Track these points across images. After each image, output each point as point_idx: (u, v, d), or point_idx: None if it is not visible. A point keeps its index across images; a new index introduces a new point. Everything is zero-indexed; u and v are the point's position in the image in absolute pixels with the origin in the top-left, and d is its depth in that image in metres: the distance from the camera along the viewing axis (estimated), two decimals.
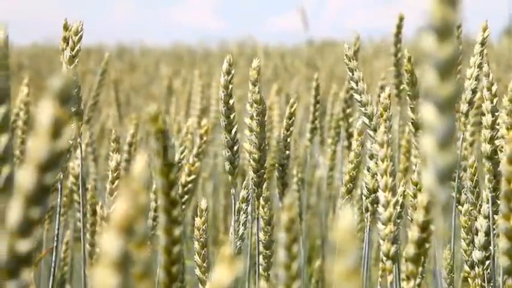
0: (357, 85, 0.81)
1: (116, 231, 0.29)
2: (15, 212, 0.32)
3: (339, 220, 0.31)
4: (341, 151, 1.45)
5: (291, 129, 0.95)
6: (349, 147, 1.38)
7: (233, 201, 0.81)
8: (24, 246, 0.32)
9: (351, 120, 1.36)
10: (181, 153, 1.06)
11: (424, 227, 0.51)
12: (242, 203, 0.83)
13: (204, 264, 0.69)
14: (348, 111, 1.36)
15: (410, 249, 0.55)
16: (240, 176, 2.02)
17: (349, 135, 1.35)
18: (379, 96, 0.96)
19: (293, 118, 0.95)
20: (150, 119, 0.49)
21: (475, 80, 0.89)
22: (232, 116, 0.80)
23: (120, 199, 0.29)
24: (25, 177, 0.32)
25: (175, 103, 2.07)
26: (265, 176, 0.83)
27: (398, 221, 0.61)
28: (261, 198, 0.84)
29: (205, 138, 1.08)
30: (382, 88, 1.34)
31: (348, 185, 0.81)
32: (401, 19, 1.20)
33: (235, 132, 0.81)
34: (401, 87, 1.18)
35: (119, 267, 0.28)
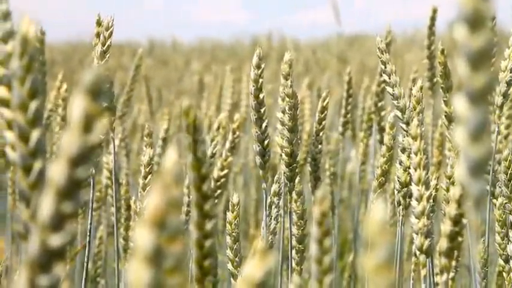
0: (389, 78, 0.80)
1: (148, 226, 0.29)
2: (47, 206, 0.32)
3: (371, 214, 0.30)
4: (373, 145, 1.44)
5: (323, 123, 0.95)
6: (381, 141, 1.37)
7: (264, 195, 0.81)
8: (56, 240, 0.32)
9: (383, 113, 1.35)
10: (214, 147, 1.06)
11: (457, 221, 0.50)
12: (274, 197, 0.83)
13: (236, 259, 0.69)
14: (379, 104, 1.35)
15: (443, 243, 0.54)
16: (270, 170, 2.02)
17: (381, 129, 1.34)
18: (411, 89, 0.95)
19: (325, 112, 0.95)
20: (183, 114, 0.49)
21: (510, 72, 0.88)
22: (262, 110, 0.80)
23: (152, 193, 0.29)
24: (57, 172, 0.32)
25: (207, 98, 2.08)
26: (297, 171, 0.83)
27: (432, 215, 0.61)
28: (294, 192, 0.84)
29: (237, 133, 1.08)
30: (414, 81, 1.33)
31: (380, 179, 0.81)
32: (434, 11, 1.18)
33: (266, 126, 0.81)
34: (435, 80, 1.16)
35: (151, 262, 0.28)
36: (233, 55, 4.97)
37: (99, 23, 0.82)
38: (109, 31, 0.77)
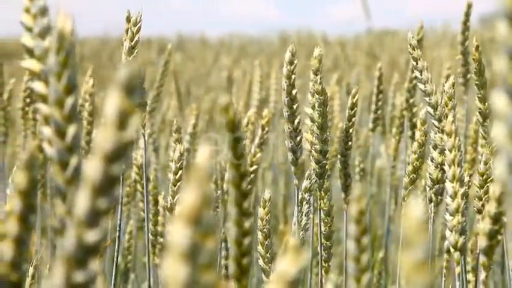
0: (421, 75, 0.79)
1: (184, 222, 0.29)
2: (82, 202, 0.32)
3: (407, 211, 0.30)
4: (404, 141, 1.43)
5: (353, 119, 0.94)
6: (412, 137, 1.36)
7: (296, 191, 0.80)
8: (91, 236, 0.32)
9: (414, 110, 1.34)
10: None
11: (497, 219, 0.50)
12: (305, 193, 0.82)
13: (268, 255, 0.68)
14: (411, 101, 1.34)
15: (482, 242, 0.54)
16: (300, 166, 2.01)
17: (413, 126, 1.34)
18: (443, 85, 0.94)
19: (355, 109, 0.94)
20: (222, 110, 0.49)
21: None
22: (295, 107, 0.80)
23: (187, 189, 0.29)
24: (92, 168, 0.32)
25: (236, 94, 2.08)
26: (327, 167, 0.83)
27: (465, 212, 0.60)
28: (322, 189, 0.83)
29: (266, 129, 1.08)
30: (447, 78, 1.32)
31: (412, 176, 0.80)
32: (469, 6, 1.17)
33: (298, 122, 0.80)
34: (469, 76, 1.15)
35: (187, 258, 0.28)
36: (261, 50, 4.97)
37: (128, 19, 0.82)
38: (137, 27, 0.77)
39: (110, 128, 0.32)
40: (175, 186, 0.87)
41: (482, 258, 0.50)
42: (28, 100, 1.38)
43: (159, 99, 1.55)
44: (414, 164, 0.80)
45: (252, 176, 1.04)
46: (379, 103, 1.35)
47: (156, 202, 1.01)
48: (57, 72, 0.43)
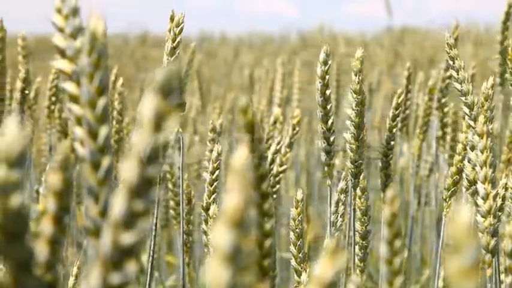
0: (457, 74, 0.79)
1: (227, 225, 0.29)
2: (119, 204, 0.32)
3: (455, 215, 0.30)
4: (431, 141, 1.42)
5: (397, 119, 0.93)
6: (442, 137, 1.35)
7: (329, 192, 0.80)
8: (128, 238, 0.32)
9: (445, 110, 1.33)
10: (278, 144, 1.05)
11: None
12: (341, 193, 0.82)
13: (300, 255, 0.68)
14: (442, 101, 1.33)
15: (508, 244, 0.53)
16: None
17: (444, 125, 1.33)
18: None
19: (400, 109, 0.93)
20: (241, 111, 0.48)
21: None
22: (329, 107, 0.80)
23: (230, 192, 0.29)
24: (129, 170, 0.32)
25: (258, 92, 2.07)
26: (362, 167, 0.82)
27: (500, 213, 0.59)
28: (359, 188, 0.83)
29: (297, 129, 1.07)
30: (473, 77, 1.30)
31: (455, 177, 0.79)
32: (510, 6, 1.16)
33: (332, 123, 0.80)
34: (506, 76, 1.14)
35: (231, 261, 0.28)
36: (281, 49, 4.96)
37: (172, 19, 0.82)
38: (179, 27, 0.77)
39: (147, 129, 0.31)
40: (211, 185, 0.87)
41: (508, 261, 0.49)
42: (54, 99, 1.38)
43: (182, 98, 1.55)
44: (458, 166, 0.79)
45: (280, 175, 1.04)
46: (407, 102, 1.34)
47: (189, 201, 1.01)
48: (90, 73, 0.43)
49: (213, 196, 0.89)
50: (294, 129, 1.11)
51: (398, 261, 0.42)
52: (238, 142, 1.95)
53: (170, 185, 1.20)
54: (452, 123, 1.36)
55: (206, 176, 0.88)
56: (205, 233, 0.92)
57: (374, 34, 5.67)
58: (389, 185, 0.94)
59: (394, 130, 0.92)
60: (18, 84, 1.27)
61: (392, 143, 0.92)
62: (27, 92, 1.29)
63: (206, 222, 0.90)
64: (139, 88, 2.47)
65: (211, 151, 0.87)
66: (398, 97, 0.93)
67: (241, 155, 0.33)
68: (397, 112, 0.93)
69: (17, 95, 1.25)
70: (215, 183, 0.89)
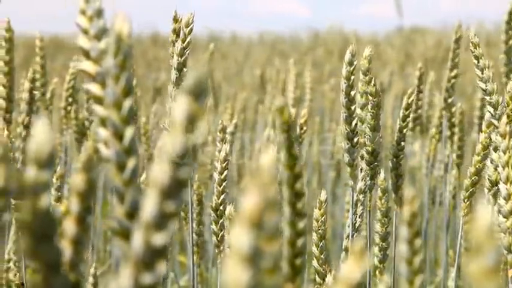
0: (482, 73, 0.79)
1: (244, 226, 0.29)
2: (150, 205, 0.32)
3: (476, 216, 0.30)
4: (443, 141, 1.42)
5: (407, 120, 0.93)
6: (451, 137, 1.35)
7: (351, 193, 0.80)
8: (159, 239, 0.32)
9: (453, 109, 1.33)
10: None
11: None
12: (359, 194, 0.82)
13: (322, 256, 0.68)
14: (449, 100, 1.33)
15: None
16: (337, 168, 2.01)
17: (452, 125, 1.33)
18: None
19: (410, 109, 0.93)
20: (277, 111, 0.49)
21: None
22: (353, 108, 0.79)
23: (249, 193, 0.29)
24: (160, 172, 0.32)
25: (270, 92, 2.08)
26: (378, 169, 0.83)
27: None
28: (379, 189, 0.83)
29: (305, 128, 1.07)
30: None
31: (473, 178, 0.79)
32: None
33: (356, 124, 0.80)
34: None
35: (249, 262, 0.28)
36: (292, 48, 4.96)
37: (175, 20, 0.82)
38: (189, 28, 0.77)
39: (178, 131, 0.32)
40: (220, 186, 0.87)
41: None
42: (70, 99, 1.39)
43: None
44: (477, 166, 0.79)
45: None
46: (419, 102, 1.34)
47: (199, 202, 1.01)
48: (115, 75, 0.43)
49: (222, 196, 0.89)
50: (301, 128, 1.12)
51: (418, 260, 0.43)
52: (250, 142, 1.95)
53: None
54: (459, 123, 1.36)
55: (215, 176, 0.88)
56: (215, 233, 0.92)
57: (385, 34, 5.66)
58: (401, 185, 0.94)
59: (404, 131, 0.92)
60: (27, 85, 1.28)
61: (402, 143, 0.92)
62: (36, 92, 1.29)
63: (216, 222, 0.91)
64: (152, 88, 2.48)
65: (220, 151, 0.88)
66: (409, 97, 0.93)
67: (268, 156, 0.33)
68: (407, 112, 0.93)
69: (25, 95, 1.25)
70: (224, 183, 0.89)
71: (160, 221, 0.32)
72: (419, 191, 1.88)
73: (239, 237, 0.29)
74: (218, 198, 0.86)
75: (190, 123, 0.32)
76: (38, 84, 1.39)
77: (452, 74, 1.28)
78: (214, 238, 0.93)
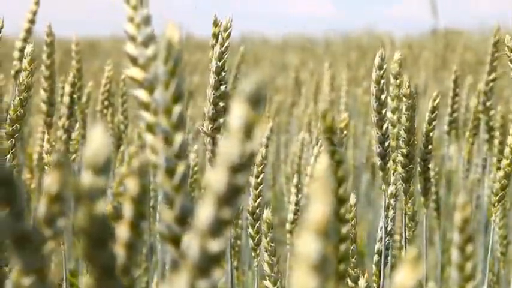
0: None
1: (314, 234, 0.29)
2: (206, 212, 0.32)
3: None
4: (481, 144, 1.41)
5: (433, 123, 0.93)
6: (489, 140, 1.34)
7: (384, 198, 0.80)
8: (215, 246, 0.32)
9: (491, 113, 1.32)
10: (321, 147, 1.06)
11: None
12: (391, 198, 0.82)
13: (353, 260, 0.68)
14: (487, 104, 1.32)
15: None
16: (370, 170, 2.00)
17: (490, 129, 1.32)
18: None
19: (436, 112, 0.93)
20: (321, 116, 0.49)
21: None
22: (384, 112, 0.80)
23: (314, 201, 0.29)
24: (217, 178, 0.32)
25: (305, 95, 2.07)
26: (413, 172, 0.82)
27: None
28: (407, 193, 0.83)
29: (345, 132, 1.07)
30: None
31: (503, 182, 0.79)
32: None
33: (387, 128, 0.80)
34: None
35: (318, 270, 0.28)
36: (325, 51, 4.95)
37: (215, 24, 0.83)
38: (227, 32, 0.77)
39: (236, 139, 0.32)
40: (256, 189, 0.87)
41: None
42: (106, 103, 1.40)
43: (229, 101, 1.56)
44: (506, 170, 0.79)
45: None
46: (455, 106, 1.33)
47: None
48: (165, 81, 0.43)
49: (259, 200, 0.90)
50: (341, 132, 1.11)
51: (470, 266, 0.42)
52: (285, 145, 1.95)
53: None
54: (500, 126, 1.35)
55: (251, 179, 0.89)
56: (251, 236, 0.92)
57: (418, 36, 5.62)
58: (430, 188, 0.93)
59: (431, 134, 0.92)
60: (67, 89, 1.29)
61: (430, 146, 0.92)
62: (75, 96, 1.30)
63: (252, 226, 0.91)
64: (186, 91, 2.49)
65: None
66: (434, 100, 0.93)
67: (323, 163, 0.33)
68: (433, 115, 0.93)
69: (65, 99, 1.26)
70: (260, 187, 0.89)
71: (217, 228, 0.32)
72: (455, 195, 1.87)
73: (307, 246, 0.29)
74: (254, 202, 0.86)
75: (247, 130, 0.32)
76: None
77: (491, 77, 1.27)
78: (250, 241, 0.93)
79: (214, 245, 0.32)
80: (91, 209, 0.33)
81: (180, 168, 0.42)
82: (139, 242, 0.41)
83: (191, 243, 0.33)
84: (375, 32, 5.45)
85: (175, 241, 0.41)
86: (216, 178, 0.32)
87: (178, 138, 0.43)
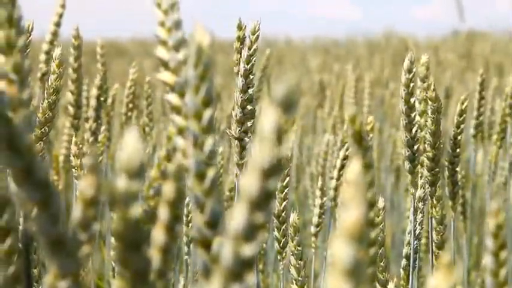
0: None
1: (348, 239, 0.29)
2: (239, 217, 0.33)
3: None
4: (508, 147, 1.40)
5: (461, 126, 0.93)
6: None
7: (413, 201, 0.80)
8: (248, 250, 0.32)
9: None
10: (347, 150, 1.05)
11: None
12: (419, 202, 0.82)
13: (382, 264, 0.68)
14: None
15: None
16: (395, 172, 2.00)
17: None
18: None
19: (464, 115, 0.93)
20: (349, 121, 0.49)
21: None
22: (413, 115, 0.79)
23: (349, 206, 0.30)
24: (249, 183, 0.32)
25: (330, 97, 2.07)
26: (439, 175, 0.82)
27: None
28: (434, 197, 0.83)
29: (371, 135, 1.07)
30: None
31: None
32: None
33: (416, 131, 0.80)
34: None
35: (352, 275, 0.29)
36: (348, 53, 4.94)
37: (240, 27, 0.83)
38: (255, 35, 0.77)
39: (267, 144, 0.32)
40: (282, 192, 0.87)
41: None
42: (131, 105, 1.41)
43: (255, 104, 1.56)
44: None
45: None
46: (481, 109, 1.33)
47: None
48: (196, 85, 0.44)
49: (284, 203, 0.90)
50: (368, 135, 1.11)
51: (503, 272, 0.42)
52: (309, 148, 1.95)
53: None
54: None
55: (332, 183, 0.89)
56: (277, 240, 0.92)
57: (440, 38, 5.60)
58: (458, 192, 0.93)
59: (459, 137, 0.92)
60: (94, 91, 1.30)
61: (458, 150, 0.92)
62: (102, 99, 1.31)
63: (278, 229, 0.91)
64: None
65: None
66: (462, 103, 0.93)
67: (356, 168, 0.33)
68: (461, 119, 0.92)
69: (92, 102, 1.27)
70: (286, 190, 0.89)
71: (250, 233, 0.32)
72: (480, 199, 1.86)
73: (342, 251, 0.29)
74: (280, 205, 0.86)
75: (279, 135, 0.32)
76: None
77: None
78: (276, 244, 0.94)
79: (247, 250, 0.32)
80: (126, 213, 0.33)
81: (211, 172, 0.43)
82: (174, 245, 0.42)
83: (224, 247, 0.33)
84: (397, 34, 5.43)
85: (206, 245, 0.41)
86: (248, 183, 0.32)
87: (209, 142, 0.43)
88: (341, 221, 0.30)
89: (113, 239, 0.97)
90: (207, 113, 0.43)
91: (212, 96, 0.44)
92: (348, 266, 0.29)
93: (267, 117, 0.32)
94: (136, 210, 0.34)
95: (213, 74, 0.44)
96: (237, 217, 0.33)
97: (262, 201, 0.32)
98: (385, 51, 4.32)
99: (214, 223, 0.42)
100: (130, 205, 0.34)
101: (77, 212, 0.37)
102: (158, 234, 0.39)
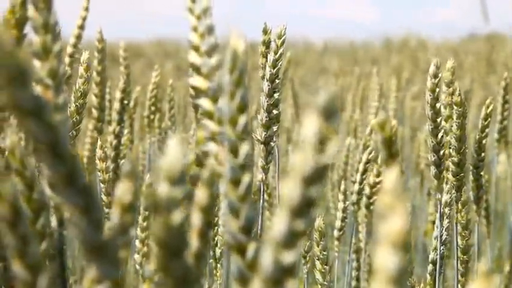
0: None
1: (393, 248, 0.29)
2: (280, 224, 0.33)
3: None
4: None
5: (486, 130, 0.93)
6: None
7: (439, 207, 0.80)
8: (289, 257, 0.32)
9: None
10: (370, 153, 1.05)
11: None
12: (445, 207, 0.82)
13: (408, 269, 0.68)
14: None
15: None
16: (419, 176, 1.99)
17: None
18: None
19: (489, 119, 0.93)
20: (378, 126, 0.49)
21: None
22: (438, 120, 0.79)
23: (393, 215, 0.30)
24: (291, 190, 0.32)
25: (351, 100, 2.07)
26: (464, 180, 0.82)
27: None
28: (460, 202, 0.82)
29: (393, 139, 1.07)
30: None
31: None
32: None
33: (442, 136, 0.80)
34: None
35: (397, 283, 0.29)
36: (366, 55, 4.93)
37: (265, 31, 0.83)
38: (281, 39, 0.77)
39: (309, 151, 0.32)
40: (370, 198, 0.87)
41: None
42: (153, 108, 1.41)
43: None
44: None
45: (378, 187, 1.04)
46: (505, 113, 1.32)
47: None
48: (231, 91, 0.44)
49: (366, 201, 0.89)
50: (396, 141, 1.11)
51: None
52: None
53: (266, 196, 1.21)
54: None
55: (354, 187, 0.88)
56: None
57: (458, 41, 5.57)
58: (482, 196, 0.93)
59: (484, 141, 0.92)
60: (118, 95, 1.30)
61: (482, 154, 0.92)
62: (126, 102, 1.32)
63: None
64: None
65: None
66: (487, 107, 0.93)
67: (393, 175, 0.33)
68: (486, 123, 0.92)
69: (116, 105, 1.28)
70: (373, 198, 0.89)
71: (290, 240, 0.32)
72: (503, 203, 1.85)
73: (387, 259, 0.29)
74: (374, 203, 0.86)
75: (321, 143, 0.32)
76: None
77: None
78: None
79: (288, 257, 0.32)
80: (168, 220, 0.33)
81: (246, 178, 0.43)
82: (207, 251, 0.42)
83: (264, 254, 0.33)
84: (415, 36, 5.41)
85: (241, 250, 0.41)
86: (289, 190, 0.32)
87: (244, 148, 0.43)
88: (382, 229, 0.30)
89: (138, 244, 0.97)
90: (242, 119, 0.43)
91: (247, 102, 0.44)
92: (393, 274, 0.29)
93: (309, 124, 0.32)
94: (178, 216, 0.34)
95: (247, 79, 0.44)
96: (277, 224, 0.33)
97: (303, 208, 0.32)
98: (403, 53, 4.31)
99: (249, 228, 0.42)
100: (172, 211, 0.34)
101: (114, 217, 0.37)
102: (192, 241, 0.39)
